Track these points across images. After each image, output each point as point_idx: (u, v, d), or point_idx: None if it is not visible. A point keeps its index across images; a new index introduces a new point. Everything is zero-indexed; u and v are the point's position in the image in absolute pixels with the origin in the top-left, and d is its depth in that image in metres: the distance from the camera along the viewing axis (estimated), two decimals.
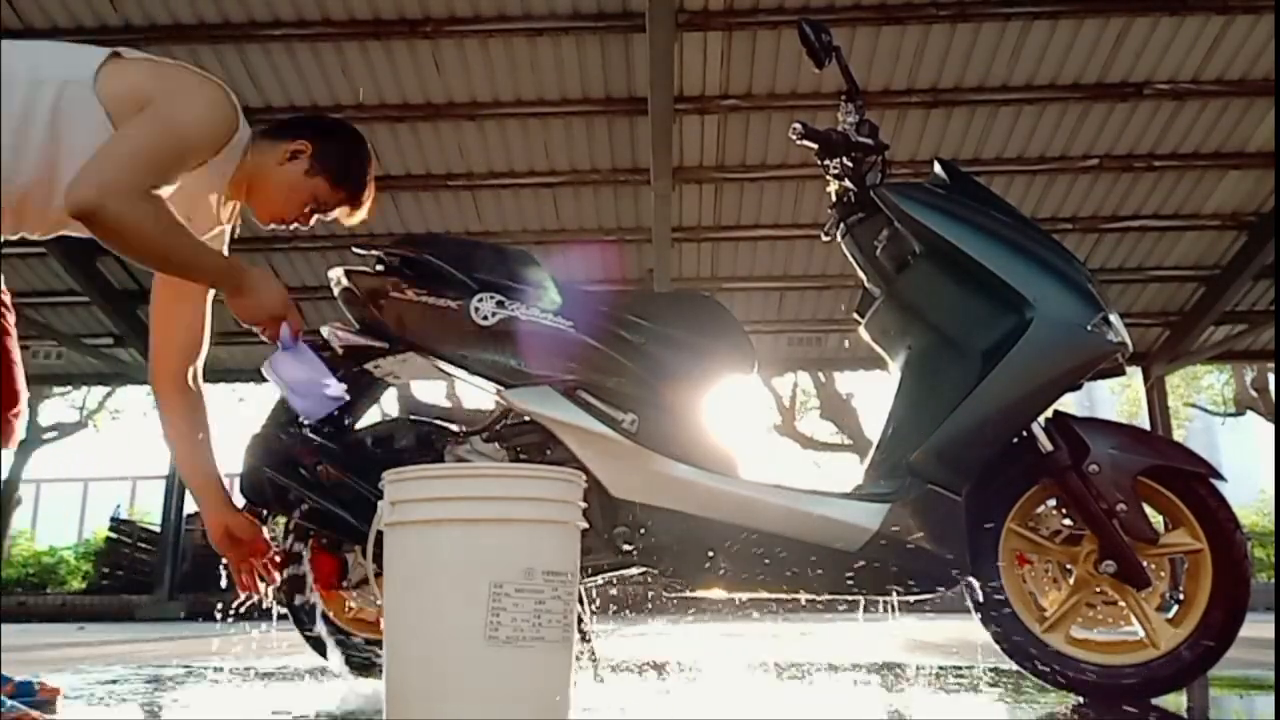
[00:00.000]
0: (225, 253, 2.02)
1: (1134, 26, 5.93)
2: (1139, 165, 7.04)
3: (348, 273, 2.01)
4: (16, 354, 1.79)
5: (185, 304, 1.96)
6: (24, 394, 1.79)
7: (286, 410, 2.01)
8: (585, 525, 1.44)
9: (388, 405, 9.09)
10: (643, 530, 1.88)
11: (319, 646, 2.17)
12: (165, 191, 1.64)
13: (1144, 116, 6.65)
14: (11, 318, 1.80)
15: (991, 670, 2.49)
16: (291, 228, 1.95)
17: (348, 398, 1.85)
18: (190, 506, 9.73)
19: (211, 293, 1.97)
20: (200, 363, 2.02)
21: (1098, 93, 6.41)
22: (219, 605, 2.22)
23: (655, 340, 1.95)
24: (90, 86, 1.63)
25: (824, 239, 2.26)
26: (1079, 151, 6.97)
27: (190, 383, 1.99)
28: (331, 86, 6.35)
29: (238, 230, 2.03)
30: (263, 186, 1.86)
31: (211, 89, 1.72)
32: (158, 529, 10.62)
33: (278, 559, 2.02)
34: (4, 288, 1.81)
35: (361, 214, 1.98)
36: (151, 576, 10.03)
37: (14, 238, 1.76)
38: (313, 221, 1.94)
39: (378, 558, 1.42)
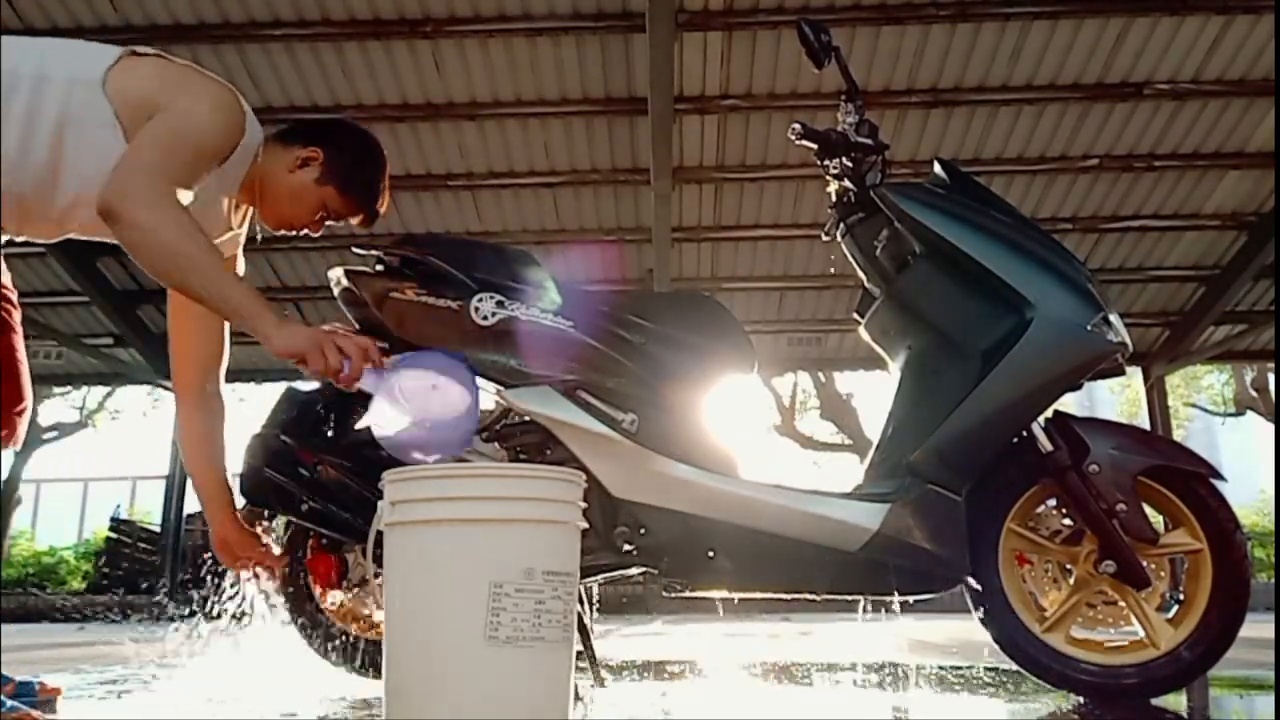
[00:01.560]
0: (240, 257, 2.01)
1: (1134, 26, 5.93)
2: (1139, 165, 7.04)
3: (348, 273, 2.01)
4: (22, 352, 1.79)
5: (198, 317, 1.91)
6: (29, 392, 1.79)
7: (286, 410, 2.01)
8: (585, 525, 1.44)
9: None
10: (643, 530, 1.88)
11: (318, 646, 2.17)
12: (185, 197, 1.62)
13: (1144, 116, 6.65)
14: (17, 315, 1.80)
15: (991, 670, 2.49)
16: (300, 234, 1.93)
17: (474, 423, 1.69)
18: (190, 507, 9.74)
19: None
20: (222, 371, 1.99)
21: (1098, 93, 6.41)
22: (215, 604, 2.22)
23: (655, 340, 1.95)
24: (99, 87, 1.61)
25: (824, 239, 2.26)
26: (1079, 151, 6.97)
27: (210, 390, 1.98)
28: (331, 86, 6.35)
29: (257, 234, 2.01)
30: (273, 193, 1.83)
31: (217, 91, 1.70)
32: (158, 529, 10.63)
33: (275, 565, 2.02)
34: (9, 284, 1.80)
35: (374, 219, 1.96)
36: (151, 576, 10.03)
37: (19, 239, 1.75)
38: (322, 230, 1.92)
39: (378, 558, 1.42)
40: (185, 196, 1.62)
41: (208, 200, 1.80)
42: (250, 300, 1.58)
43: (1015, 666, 1.94)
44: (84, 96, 1.60)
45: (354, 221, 1.93)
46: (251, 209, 1.92)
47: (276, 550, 2.03)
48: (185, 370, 1.97)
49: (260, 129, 1.81)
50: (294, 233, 1.90)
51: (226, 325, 1.95)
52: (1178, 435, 13.13)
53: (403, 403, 1.59)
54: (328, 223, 1.92)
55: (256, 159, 1.81)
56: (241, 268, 2.01)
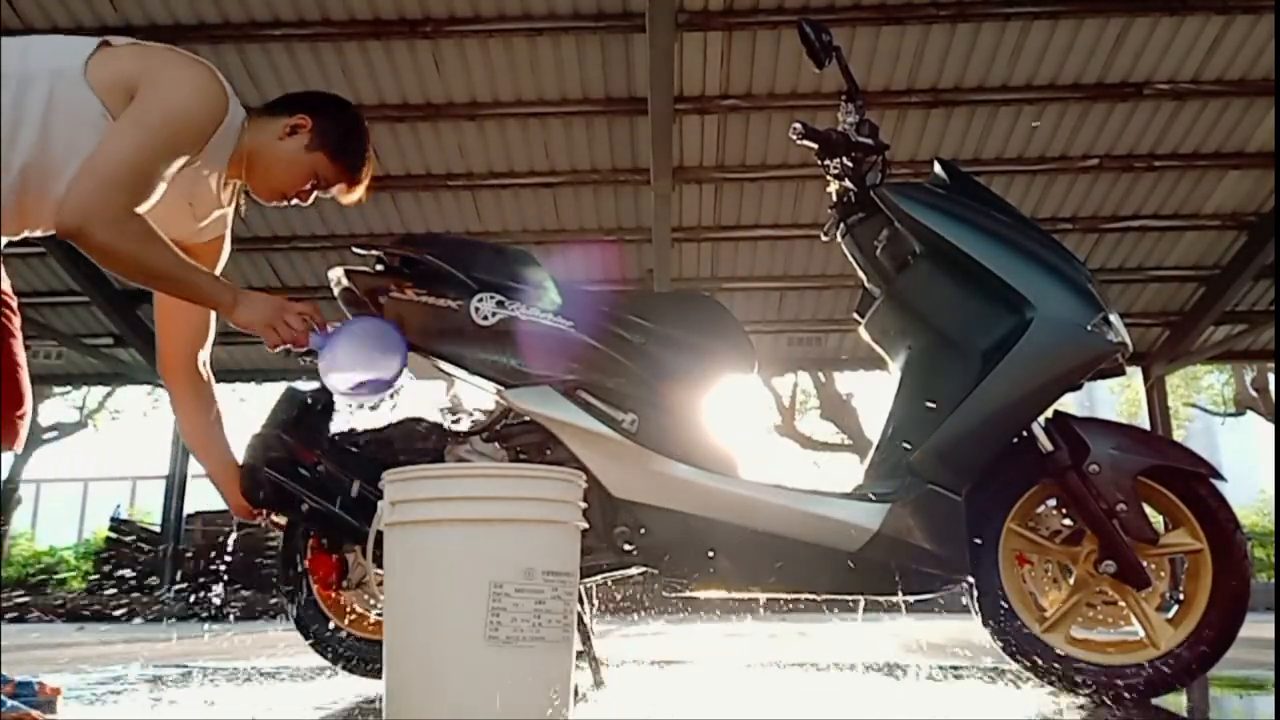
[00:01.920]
0: (228, 234, 2.03)
1: (1134, 26, 5.92)
2: (1139, 165, 7.04)
3: (348, 273, 2.01)
4: (21, 356, 1.79)
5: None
6: (29, 396, 1.79)
7: (286, 410, 2.01)
8: (585, 525, 1.44)
9: None
10: (643, 530, 1.88)
11: (319, 646, 2.17)
12: (158, 192, 1.64)
13: (1144, 116, 6.64)
14: (17, 320, 1.80)
15: (991, 670, 2.49)
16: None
17: (402, 373, 1.85)
18: (190, 506, 9.74)
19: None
20: (208, 350, 2.03)
21: (1098, 93, 6.40)
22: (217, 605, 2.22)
23: (655, 340, 1.95)
24: (81, 77, 1.62)
25: (824, 239, 2.26)
26: (1079, 151, 6.96)
27: (199, 369, 2.01)
28: (331, 86, 6.33)
29: (243, 210, 2.02)
30: (263, 163, 1.85)
31: (198, 72, 1.71)
32: (158, 529, 10.62)
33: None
34: (9, 290, 1.80)
35: (359, 191, 1.97)
36: (151, 576, 10.02)
37: (18, 238, 1.75)
38: (312, 199, 1.94)
39: (378, 558, 1.42)
40: (158, 190, 1.65)
41: (198, 178, 1.81)
42: (211, 285, 1.75)
43: (1015, 666, 1.94)
44: (68, 87, 1.61)
45: (339, 193, 1.94)
46: (239, 184, 1.93)
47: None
48: (175, 348, 2.00)
49: (241, 107, 1.82)
50: (285, 202, 1.91)
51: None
52: (1178, 435, 13.13)
53: (341, 356, 1.80)
54: (317, 194, 1.93)
55: (243, 135, 1.82)
56: (227, 248, 2.02)
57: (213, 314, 2.00)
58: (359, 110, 2.00)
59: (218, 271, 1.99)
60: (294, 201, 1.92)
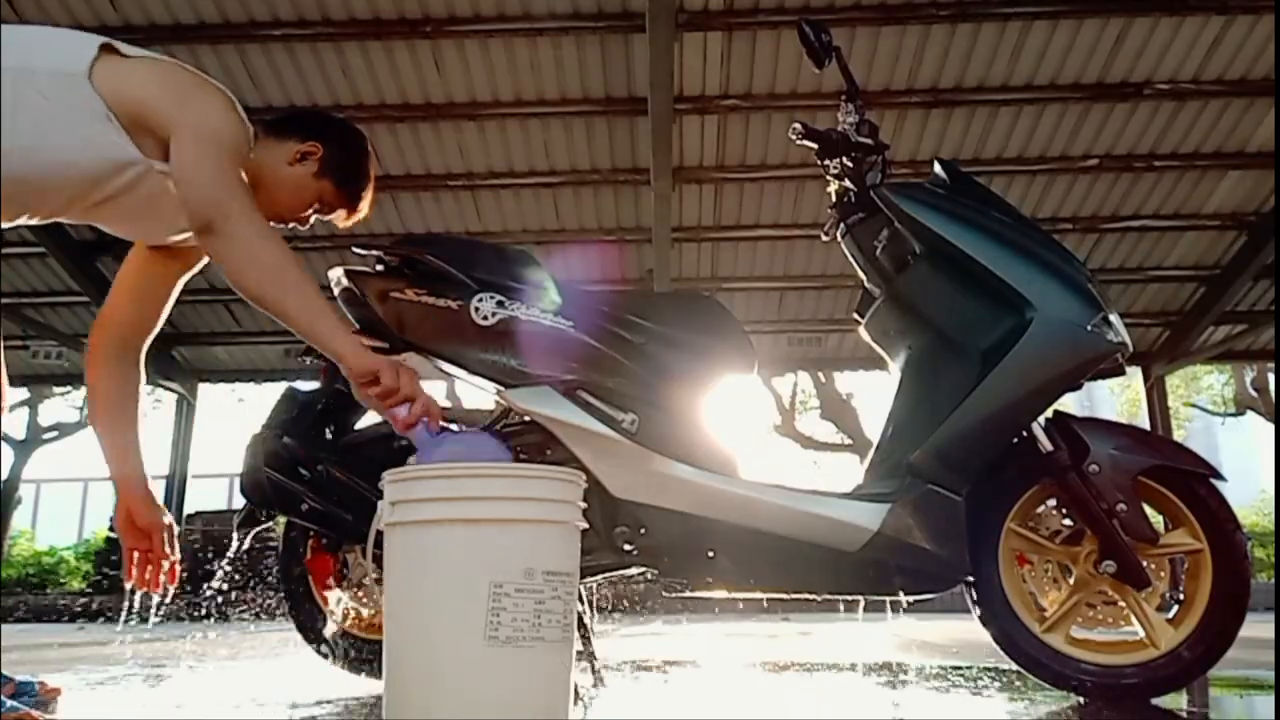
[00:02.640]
0: None
1: (1134, 26, 5.93)
2: (1139, 165, 7.04)
3: (348, 273, 2.01)
4: None
5: (156, 281, 1.91)
6: (6, 390, 1.77)
7: (286, 410, 2.01)
8: (585, 525, 1.44)
9: None
10: (643, 530, 1.88)
11: (318, 645, 2.17)
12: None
13: (1144, 116, 6.65)
14: None
15: (991, 670, 2.49)
16: (291, 229, 1.94)
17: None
18: (190, 507, 9.74)
19: (184, 279, 1.94)
20: (148, 342, 1.95)
21: (1098, 93, 6.41)
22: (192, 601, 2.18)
23: (655, 340, 1.95)
24: (85, 78, 1.61)
25: (824, 239, 2.26)
26: (1079, 151, 6.97)
27: (129, 358, 1.92)
28: (331, 86, 6.35)
29: None
30: (268, 185, 1.83)
31: (219, 94, 1.71)
32: None
33: (171, 567, 1.90)
34: None
35: (359, 216, 1.98)
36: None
37: (10, 225, 1.74)
38: (311, 222, 1.94)
39: (378, 558, 1.42)
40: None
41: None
42: (335, 318, 1.62)
43: (1015, 666, 1.94)
44: (69, 85, 1.60)
45: (339, 217, 1.94)
46: None
47: (175, 556, 1.91)
48: (119, 326, 1.91)
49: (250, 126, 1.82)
50: (283, 225, 1.90)
51: (170, 302, 1.93)
52: (1178, 435, 13.14)
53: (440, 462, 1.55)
54: (317, 217, 1.93)
55: (250, 155, 1.81)
56: None
57: (167, 309, 1.94)
58: (364, 136, 1.99)
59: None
60: (291, 225, 1.91)
